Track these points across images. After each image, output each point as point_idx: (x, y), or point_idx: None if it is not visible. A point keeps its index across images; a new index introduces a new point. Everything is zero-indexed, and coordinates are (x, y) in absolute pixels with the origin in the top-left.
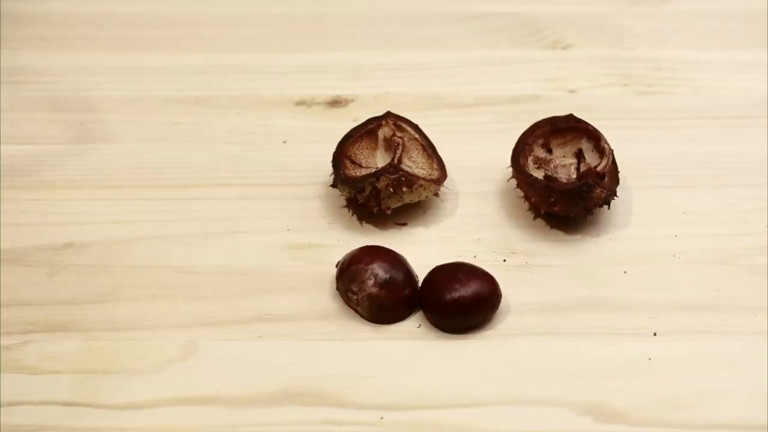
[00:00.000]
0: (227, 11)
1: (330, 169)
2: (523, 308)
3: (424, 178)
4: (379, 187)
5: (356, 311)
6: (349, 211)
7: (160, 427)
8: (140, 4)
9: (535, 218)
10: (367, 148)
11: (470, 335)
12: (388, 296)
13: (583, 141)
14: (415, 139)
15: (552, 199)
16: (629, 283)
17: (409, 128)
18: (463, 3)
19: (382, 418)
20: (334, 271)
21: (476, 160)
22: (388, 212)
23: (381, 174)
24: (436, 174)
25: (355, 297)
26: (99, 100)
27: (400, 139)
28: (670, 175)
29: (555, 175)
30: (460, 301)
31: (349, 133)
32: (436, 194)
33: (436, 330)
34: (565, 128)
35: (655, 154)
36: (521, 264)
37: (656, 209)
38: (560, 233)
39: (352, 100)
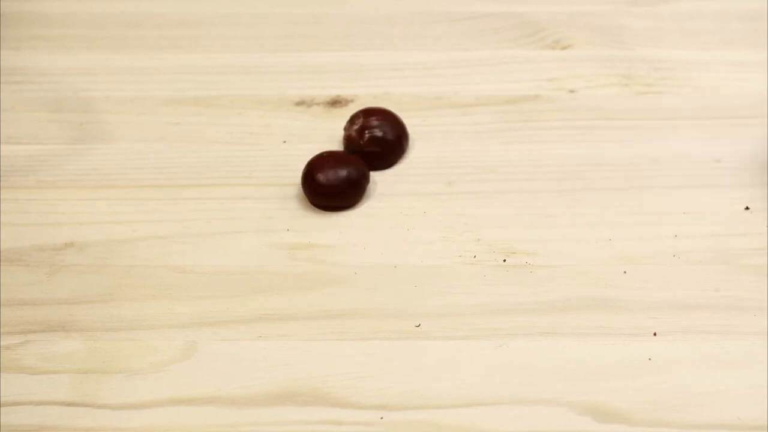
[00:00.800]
0: (227, 11)
1: None
2: (523, 308)
3: None
4: None
5: (343, 144)
6: None
7: (160, 427)
8: (140, 4)
9: None
10: None
11: (470, 335)
12: (363, 144)
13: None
14: None
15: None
16: (629, 283)
17: None
18: (463, 3)
19: (382, 418)
20: (334, 271)
21: (476, 160)
22: None
23: None
24: None
25: (343, 133)
26: (99, 100)
27: None
28: (670, 175)
29: None
30: (324, 180)
31: None
32: None
33: (436, 330)
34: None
35: (655, 154)
36: (521, 264)
37: (656, 209)
38: (560, 233)
39: (352, 100)
